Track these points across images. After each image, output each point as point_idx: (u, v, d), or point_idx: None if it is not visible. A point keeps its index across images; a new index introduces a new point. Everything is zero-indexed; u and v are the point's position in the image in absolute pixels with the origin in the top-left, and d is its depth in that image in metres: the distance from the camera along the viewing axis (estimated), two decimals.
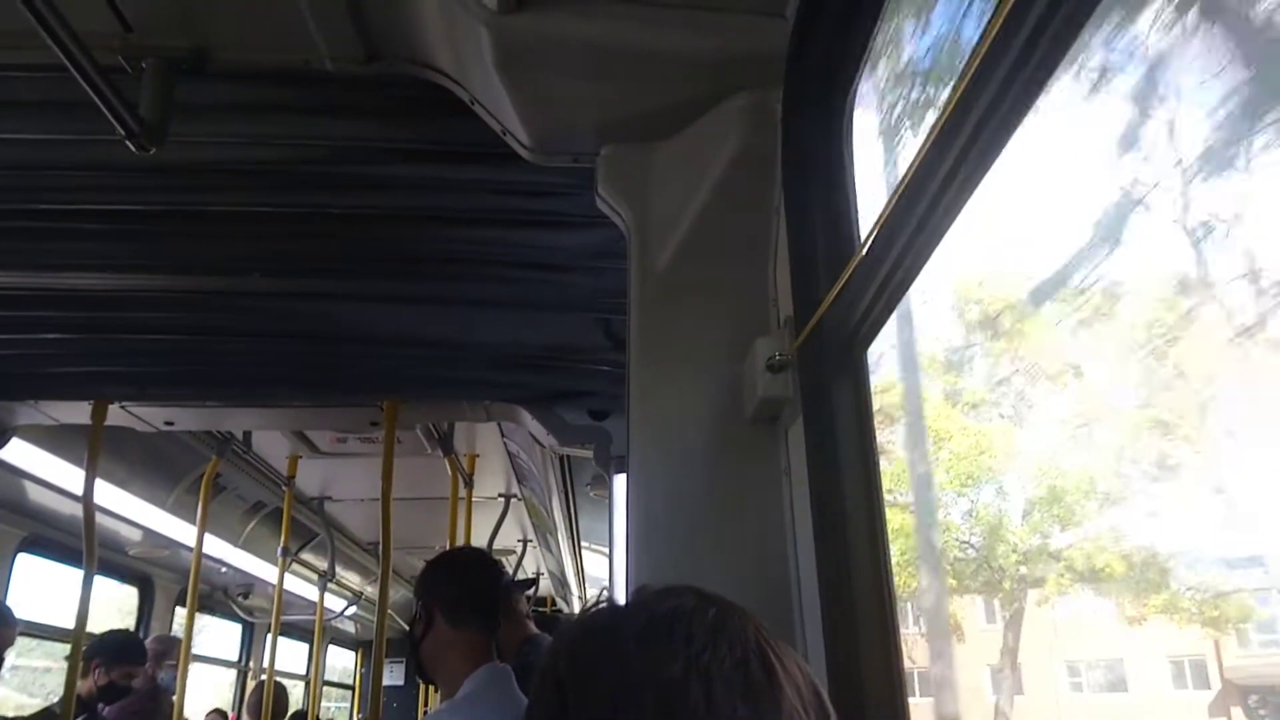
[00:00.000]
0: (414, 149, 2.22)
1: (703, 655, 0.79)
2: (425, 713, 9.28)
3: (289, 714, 6.74)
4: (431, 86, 1.95)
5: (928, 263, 1.37)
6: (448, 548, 5.28)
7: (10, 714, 4.51)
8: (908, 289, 1.42)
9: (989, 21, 1.03)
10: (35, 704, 4.43)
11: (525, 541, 7.98)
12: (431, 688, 8.70)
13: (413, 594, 2.46)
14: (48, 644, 5.45)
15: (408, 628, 8.90)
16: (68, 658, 3.73)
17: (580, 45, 1.73)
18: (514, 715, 2.19)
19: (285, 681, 7.31)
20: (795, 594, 1.60)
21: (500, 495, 6.31)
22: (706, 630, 0.81)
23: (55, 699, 4.16)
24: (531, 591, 10.01)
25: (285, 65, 1.90)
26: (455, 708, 2.20)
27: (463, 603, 2.33)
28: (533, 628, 3.53)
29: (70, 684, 3.67)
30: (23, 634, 4.03)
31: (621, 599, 0.93)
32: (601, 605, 0.93)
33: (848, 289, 1.46)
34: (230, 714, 7.10)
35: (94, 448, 3.71)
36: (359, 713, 11.29)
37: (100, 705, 4.16)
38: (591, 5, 1.71)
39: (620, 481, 3.33)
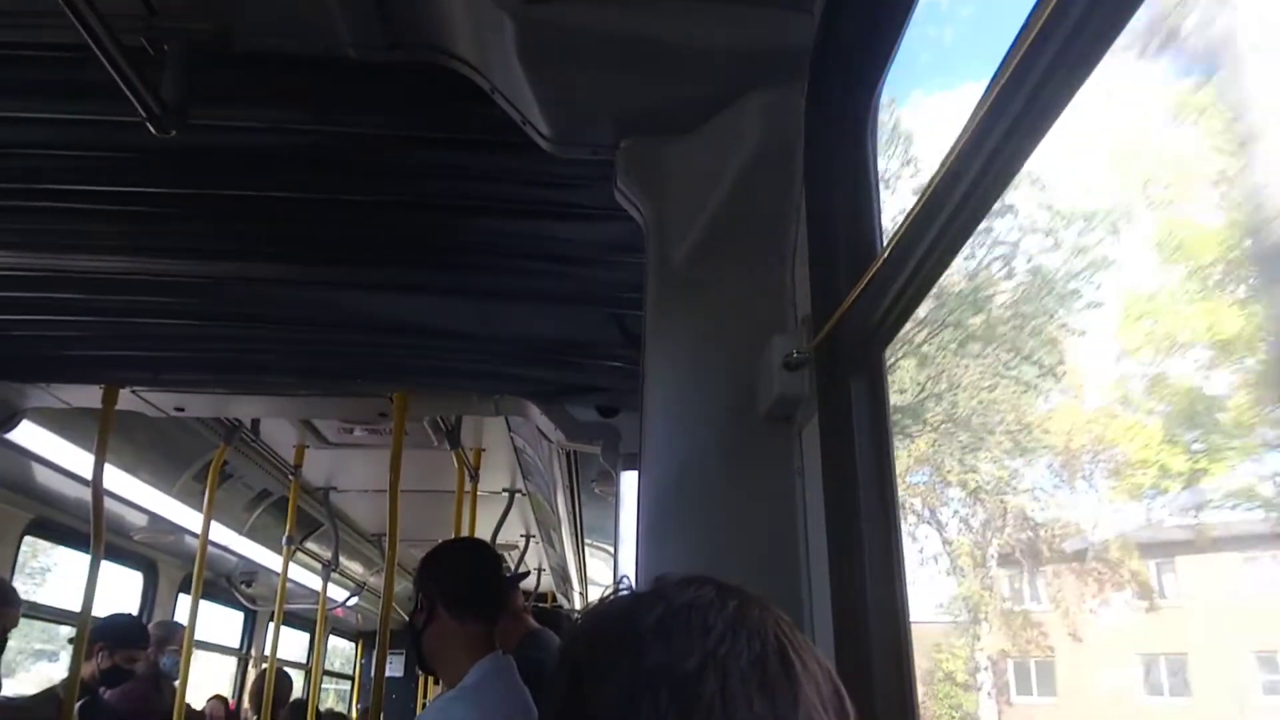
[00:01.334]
0: (433, 137, 2.21)
1: (719, 649, 0.78)
2: (424, 704, 9.31)
3: (289, 701, 6.75)
4: (452, 75, 1.94)
5: (950, 265, 1.37)
6: None
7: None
8: (929, 291, 1.41)
9: (1023, 27, 1.02)
10: None
11: (528, 536, 7.99)
12: (431, 679, 8.76)
13: (413, 584, 2.46)
14: None
15: (408, 619, 8.97)
16: (72, 640, 3.74)
17: (603, 37, 1.72)
18: (520, 706, 2.19)
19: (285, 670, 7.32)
20: (805, 595, 1.59)
21: (505, 490, 6.32)
22: (725, 623, 0.80)
23: None
24: (534, 586, 10.05)
25: (307, 51, 1.90)
26: (464, 695, 2.20)
27: (464, 594, 2.33)
28: (532, 622, 3.52)
29: (75, 666, 3.68)
30: (27, 615, 4.04)
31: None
32: (622, 592, 0.92)
33: (868, 289, 1.45)
34: (230, 700, 7.11)
35: (104, 432, 3.72)
36: (358, 703, 11.32)
37: (101, 689, 4.16)
38: None
39: (627, 479, 3.33)
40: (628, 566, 3.61)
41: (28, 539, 4.84)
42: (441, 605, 2.32)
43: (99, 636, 4.07)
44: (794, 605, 1.59)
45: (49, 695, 3.93)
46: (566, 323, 2.95)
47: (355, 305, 2.99)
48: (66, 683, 3.72)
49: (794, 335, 1.66)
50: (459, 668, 2.27)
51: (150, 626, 4.92)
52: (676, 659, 0.77)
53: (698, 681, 0.76)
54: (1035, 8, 1.00)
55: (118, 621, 4.37)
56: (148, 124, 1.77)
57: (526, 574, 6.07)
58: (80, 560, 5.11)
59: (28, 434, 4.10)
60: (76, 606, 3.92)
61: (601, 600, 0.91)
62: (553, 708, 0.86)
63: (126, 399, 3.67)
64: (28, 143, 2.21)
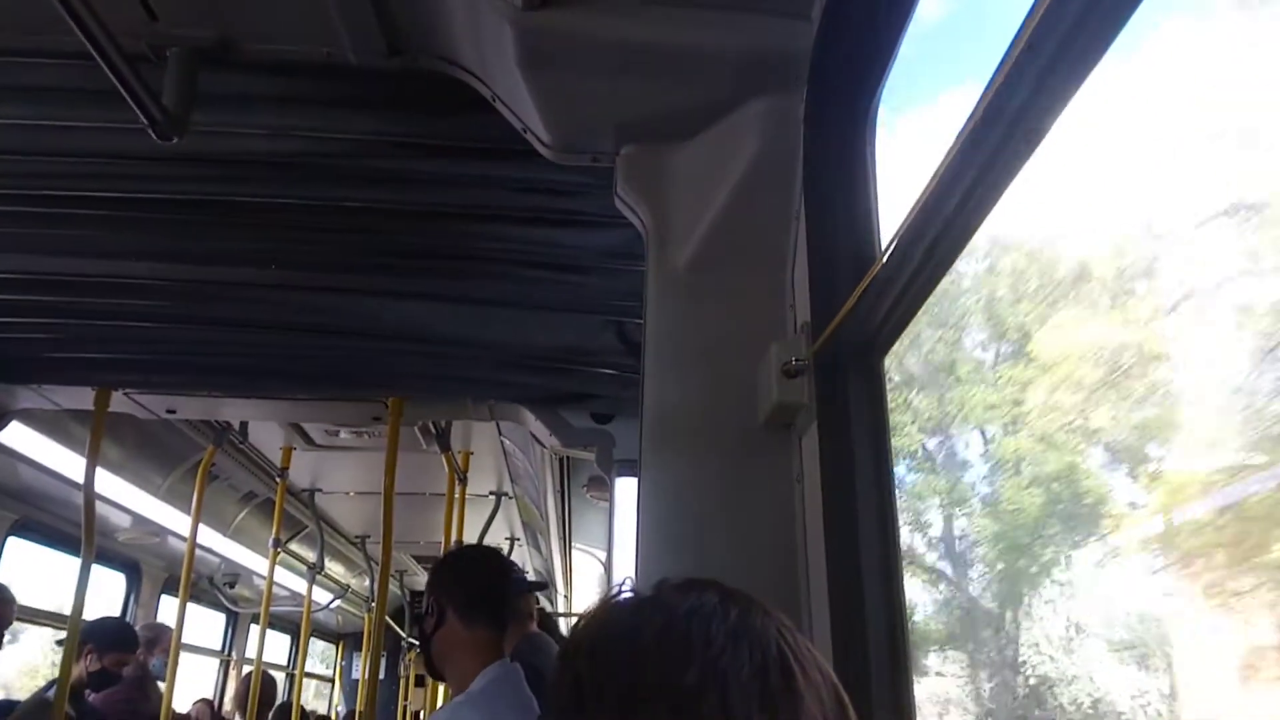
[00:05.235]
0: (433, 144, 2.21)
1: (720, 660, 0.77)
2: (404, 707, 9.30)
3: (275, 705, 6.71)
4: (453, 82, 1.95)
5: (949, 271, 1.38)
6: (439, 544, 5.28)
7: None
8: (928, 297, 1.43)
9: (1020, 28, 1.03)
10: None
11: (513, 540, 7.97)
12: (412, 682, 8.75)
13: (425, 589, 2.50)
14: None
15: (390, 622, 8.91)
16: (60, 642, 3.71)
17: (603, 44, 1.73)
18: (528, 714, 2.20)
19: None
20: (804, 601, 1.60)
21: (491, 493, 6.30)
22: (726, 633, 0.79)
23: None
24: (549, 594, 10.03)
25: (308, 57, 1.90)
26: (473, 701, 2.21)
27: (475, 601, 2.35)
28: (533, 626, 3.52)
29: (65, 670, 3.65)
30: (18, 619, 4.00)
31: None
32: (624, 596, 0.91)
33: (867, 296, 1.46)
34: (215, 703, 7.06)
35: (96, 434, 3.69)
36: (339, 704, 11.26)
37: (88, 691, 4.12)
38: (615, 4, 1.71)
39: (622, 485, 3.32)
40: (621, 572, 3.61)
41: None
42: (452, 610, 2.34)
43: (88, 639, 4.03)
44: (793, 612, 1.59)
45: (41, 701, 3.89)
46: (564, 330, 2.94)
47: (353, 310, 2.98)
48: (57, 686, 3.68)
49: (793, 342, 1.67)
50: (467, 673, 2.28)
51: (138, 629, 4.88)
52: (676, 672, 0.77)
53: (698, 696, 0.75)
54: (1030, 10, 1.01)
55: (107, 624, 4.33)
56: (149, 130, 1.77)
57: (546, 584, 5.96)
58: (62, 560, 5.12)
59: (13, 434, 4.06)
60: (56, 607, 3.88)
61: (603, 603, 0.90)
62: (553, 718, 0.85)
63: (118, 401, 3.64)
64: (27, 148, 2.19)
